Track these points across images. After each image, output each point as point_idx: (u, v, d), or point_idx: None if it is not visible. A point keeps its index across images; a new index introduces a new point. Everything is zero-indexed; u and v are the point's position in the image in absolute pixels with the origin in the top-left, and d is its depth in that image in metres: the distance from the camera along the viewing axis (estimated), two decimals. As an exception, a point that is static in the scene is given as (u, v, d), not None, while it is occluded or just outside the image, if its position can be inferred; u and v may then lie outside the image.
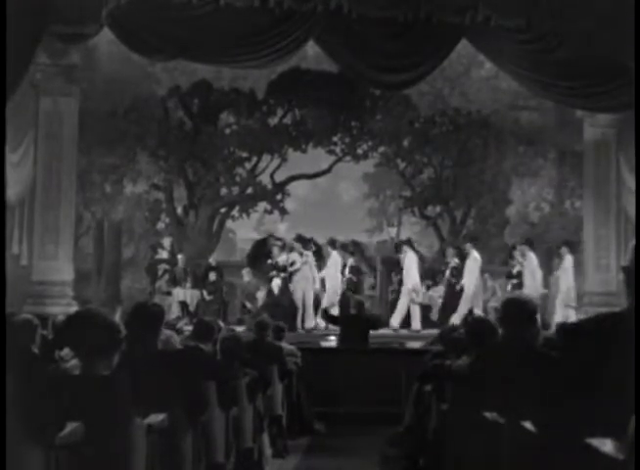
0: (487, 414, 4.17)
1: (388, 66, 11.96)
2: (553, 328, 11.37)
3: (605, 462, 2.42)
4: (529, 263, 13.26)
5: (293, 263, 13.79)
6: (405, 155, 18.03)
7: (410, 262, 13.81)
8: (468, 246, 13.97)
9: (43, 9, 10.24)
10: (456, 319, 13.28)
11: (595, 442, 2.48)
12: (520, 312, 4.57)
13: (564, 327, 6.55)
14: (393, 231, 20.15)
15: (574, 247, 13.80)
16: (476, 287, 13.46)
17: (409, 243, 14.52)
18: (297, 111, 17.23)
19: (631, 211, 12.33)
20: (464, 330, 6.08)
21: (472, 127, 16.78)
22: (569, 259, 13.38)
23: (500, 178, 17.29)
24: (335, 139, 17.55)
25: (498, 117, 16.28)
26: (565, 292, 13.00)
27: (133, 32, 11.01)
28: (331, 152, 17.71)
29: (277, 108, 17.11)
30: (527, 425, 3.42)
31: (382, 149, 18.07)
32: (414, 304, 13.69)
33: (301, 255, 13.88)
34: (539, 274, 13.29)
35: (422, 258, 15.95)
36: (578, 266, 14.01)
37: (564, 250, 13.57)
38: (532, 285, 13.05)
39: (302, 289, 13.67)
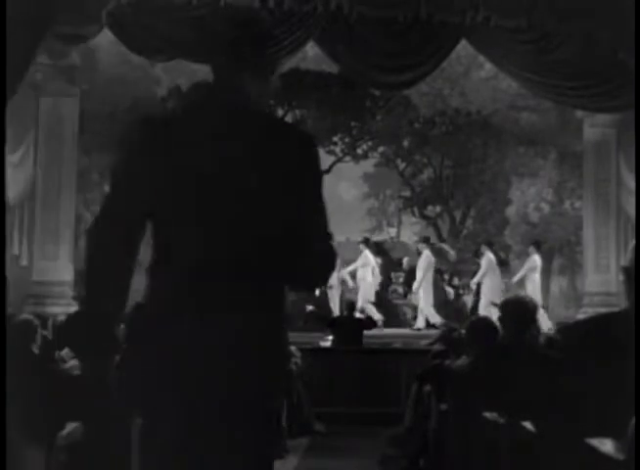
0: (487, 414, 4.18)
1: (387, 66, 11.95)
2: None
3: (605, 462, 2.42)
4: (488, 264, 13.39)
5: None
6: (405, 155, 18.05)
7: (363, 262, 13.87)
8: (420, 246, 14.08)
9: (43, 9, 10.24)
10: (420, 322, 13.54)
11: (595, 442, 2.49)
12: (520, 312, 4.58)
13: (564, 327, 6.55)
14: (393, 231, 20.17)
15: (542, 247, 13.97)
16: (424, 287, 13.52)
17: (366, 242, 14.54)
18: (297, 111, 17.23)
19: (631, 211, 12.33)
20: (464, 330, 6.09)
21: (471, 128, 16.78)
22: (535, 259, 13.49)
23: (500, 178, 17.30)
24: (335, 139, 17.55)
25: (498, 118, 16.28)
26: (531, 292, 13.01)
27: (133, 33, 11.00)
28: (331, 152, 17.70)
29: (277, 108, 17.12)
30: (527, 425, 3.43)
31: (381, 149, 18.08)
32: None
33: None
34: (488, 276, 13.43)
35: (391, 261, 16.02)
36: (576, 267, 14.03)
37: (531, 249, 13.74)
38: (491, 285, 13.23)
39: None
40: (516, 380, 3.84)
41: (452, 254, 16.59)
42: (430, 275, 13.62)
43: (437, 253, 15.27)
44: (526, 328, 4.52)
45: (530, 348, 4.40)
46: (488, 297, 13.21)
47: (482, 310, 13.06)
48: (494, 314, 12.06)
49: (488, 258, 13.47)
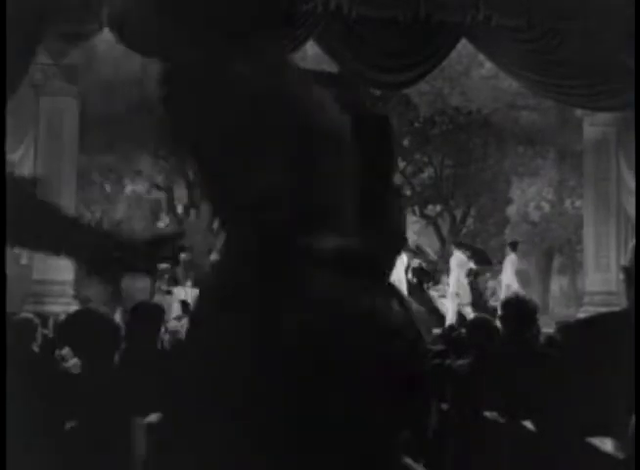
0: (487, 414, 4.18)
1: (387, 65, 11.95)
2: None
3: (605, 462, 2.42)
4: (457, 264, 13.50)
5: None
6: (405, 154, 18.04)
7: None
8: None
9: (43, 9, 10.24)
10: None
11: (595, 441, 2.49)
12: (520, 312, 4.58)
13: (564, 326, 6.55)
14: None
15: (517, 247, 14.11)
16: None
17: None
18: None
19: (631, 210, 12.34)
20: (464, 330, 6.09)
21: (472, 127, 16.78)
22: (510, 259, 13.60)
23: (500, 178, 17.30)
24: (335, 139, 17.57)
25: (498, 117, 16.27)
26: (504, 291, 13.05)
27: (133, 32, 11.00)
28: (331, 151, 17.71)
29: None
30: (527, 425, 3.43)
31: (382, 148, 18.06)
32: None
33: None
34: (454, 275, 13.52)
35: None
36: (577, 266, 14.00)
37: (507, 250, 13.90)
38: (454, 283, 13.35)
39: None
40: (516, 380, 3.85)
41: (430, 253, 16.61)
42: (402, 276, 13.76)
43: (416, 253, 15.32)
44: (527, 327, 4.52)
45: (531, 347, 4.40)
46: (461, 297, 13.34)
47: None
48: (469, 314, 12.22)
49: (457, 257, 13.59)
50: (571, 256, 16.31)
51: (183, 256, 15.12)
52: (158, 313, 4.82)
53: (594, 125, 13.39)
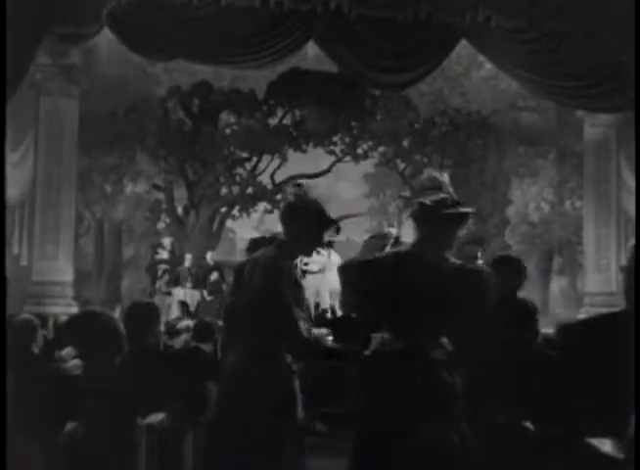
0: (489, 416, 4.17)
1: (387, 66, 11.96)
2: None
3: (605, 462, 2.41)
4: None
5: (307, 264, 13.57)
6: (405, 155, 18.03)
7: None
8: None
9: (43, 9, 10.24)
10: None
11: (595, 441, 2.48)
12: (520, 313, 4.58)
13: (564, 327, 6.54)
14: (394, 231, 20.13)
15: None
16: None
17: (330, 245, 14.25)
18: (298, 111, 17.22)
19: (631, 210, 12.33)
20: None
21: (472, 128, 16.78)
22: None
23: (500, 178, 17.29)
24: (335, 139, 17.54)
25: (498, 118, 16.27)
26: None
27: (133, 32, 11.01)
28: (331, 152, 17.70)
29: (277, 108, 17.12)
30: (528, 425, 3.42)
31: (382, 149, 18.05)
32: None
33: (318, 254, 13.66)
34: None
35: None
36: (577, 267, 13.99)
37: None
38: None
39: (316, 288, 13.53)
40: (515, 380, 3.84)
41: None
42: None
43: None
44: (526, 328, 4.52)
45: (530, 347, 4.40)
46: None
47: None
48: None
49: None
50: (572, 256, 16.30)
51: (189, 256, 15.15)
52: (152, 312, 4.81)
53: (594, 126, 13.39)
